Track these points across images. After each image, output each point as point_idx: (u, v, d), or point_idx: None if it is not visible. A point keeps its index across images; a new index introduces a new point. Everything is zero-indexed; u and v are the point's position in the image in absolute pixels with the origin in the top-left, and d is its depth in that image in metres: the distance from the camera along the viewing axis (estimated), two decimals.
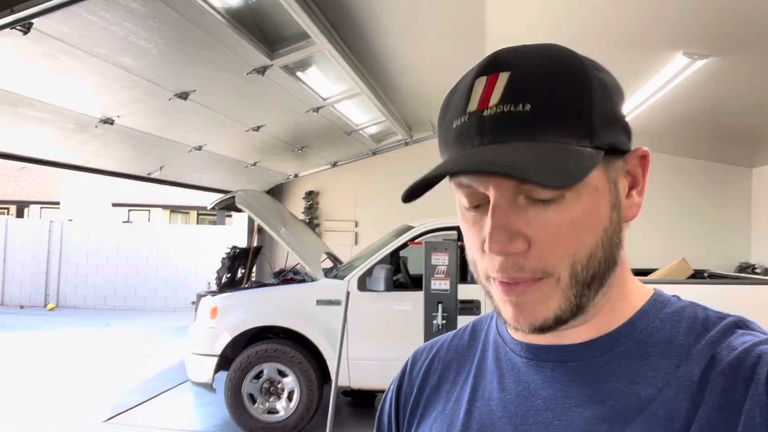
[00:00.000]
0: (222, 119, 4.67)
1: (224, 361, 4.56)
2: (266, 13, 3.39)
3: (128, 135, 4.36)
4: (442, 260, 3.66)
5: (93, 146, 4.46)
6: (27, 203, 18.94)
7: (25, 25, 2.46)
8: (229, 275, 6.36)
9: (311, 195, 7.93)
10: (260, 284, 5.22)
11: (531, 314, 0.52)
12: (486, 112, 0.50)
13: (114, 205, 17.79)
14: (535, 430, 0.54)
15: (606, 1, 3.25)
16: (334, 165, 7.79)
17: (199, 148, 5.25)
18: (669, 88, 4.21)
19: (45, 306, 11.53)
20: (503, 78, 0.50)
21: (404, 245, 4.69)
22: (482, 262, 0.53)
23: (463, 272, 4.01)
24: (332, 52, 3.78)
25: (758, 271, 6.39)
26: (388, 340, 4.47)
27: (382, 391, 4.76)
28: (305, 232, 5.58)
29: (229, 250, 6.41)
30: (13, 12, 2.25)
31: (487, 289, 0.55)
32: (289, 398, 4.49)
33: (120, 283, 11.59)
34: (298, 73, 4.27)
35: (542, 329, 0.52)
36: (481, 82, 0.51)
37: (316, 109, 5.06)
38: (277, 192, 8.05)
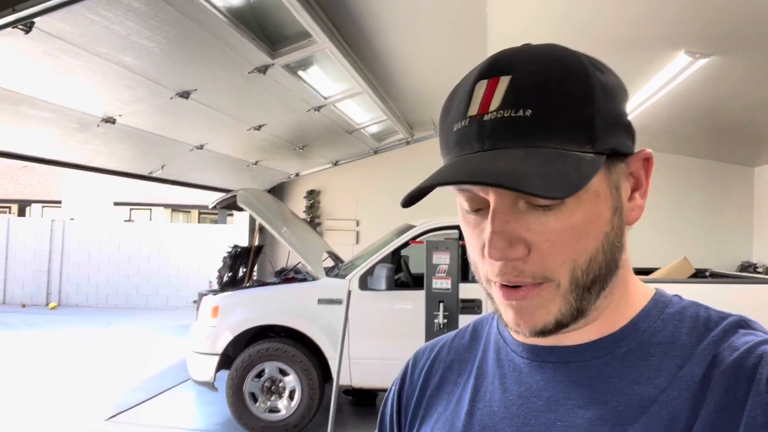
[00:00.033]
0: (223, 118, 4.67)
1: (226, 360, 4.57)
2: (268, 12, 3.39)
3: (130, 134, 4.37)
4: (443, 259, 3.65)
5: (95, 145, 4.47)
6: (29, 202, 18.98)
7: (27, 24, 2.46)
8: (230, 274, 6.36)
9: (312, 194, 7.93)
10: (261, 283, 5.22)
11: (531, 319, 0.52)
12: (486, 117, 0.49)
13: (115, 204, 17.83)
14: (537, 431, 0.54)
15: (606, 1, 3.25)
16: (336, 164, 7.79)
17: (201, 147, 5.25)
18: (671, 87, 4.20)
19: (47, 305, 11.55)
20: (504, 82, 0.49)
21: (405, 244, 4.69)
22: (483, 265, 0.53)
23: (464, 271, 4.01)
24: (333, 51, 3.78)
25: (760, 270, 6.38)
26: (389, 339, 4.48)
27: (384, 390, 4.76)
28: (306, 231, 5.58)
29: (230, 249, 6.42)
30: (14, 11, 2.25)
31: (488, 291, 0.55)
32: (291, 397, 4.50)
33: (122, 281, 11.61)
34: (300, 72, 4.27)
35: (543, 333, 0.52)
36: (482, 86, 0.50)
37: (318, 108, 5.06)
38: (278, 191, 8.05)
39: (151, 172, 5.60)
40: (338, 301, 4.43)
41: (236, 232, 10.61)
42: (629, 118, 0.54)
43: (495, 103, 0.49)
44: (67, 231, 11.83)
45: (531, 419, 0.55)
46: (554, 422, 0.53)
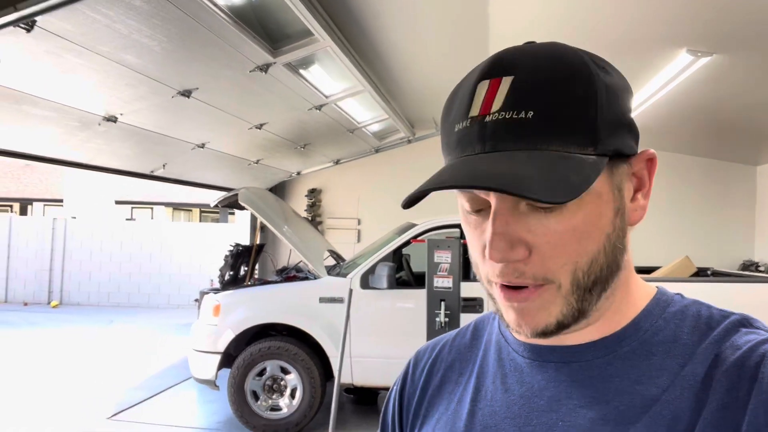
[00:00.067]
0: (225, 117, 4.67)
1: (227, 359, 4.58)
2: (269, 11, 3.39)
3: (131, 132, 4.37)
4: (444, 258, 3.65)
5: (96, 144, 4.47)
6: (30, 201, 19.00)
7: (29, 23, 2.47)
8: (232, 273, 6.36)
9: (314, 193, 7.93)
10: (263, 282, 5.22)
11: (533, 320, 0.51)
12: (488, 118, 0.49)
13: (117, 202, 17.85)
14: (539, 431, 0.54)
15: (608, 1, 3.24)
16: (337, 163, 7.79)
17: (202, 146, 5.25)
18: (672, 86, 4.20)
19: (48, 303, 11.58)
20: (506, 83, 0.49)
21: (407, 243, 4.68)
22: (484, 266, 0.53)
23: (466, 270, 4.01)
24: (335, 49, 3.78)
25: (762, 269, 6.38)
26: (390, 337, 4.48)
27: (385, 389, 4.76)
28: (308, 229, 5.58)
29: (232, 248, 6.41)
30: (16, 10, 2.26)
31: (489, 291, 0.55)
32: (292, 395, 4.50)
33: (123, 280, 11.63)
34: (301, 71, 4.27)
35: (544, 334, 0.52)
36: (483, 86, 0.50)
37: (319, 107, 5.06)
38: (279, 189, 8.06)
39: (152, 171, 5.61)
40: (340, 300, 4.43)
41: (238, 230, 10.61)
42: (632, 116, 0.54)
43: (497, 104, 0.49)
44: (68, 229, 11.85)
45: (533, 419, 0.54)
46: (556, 422, 0.53)
